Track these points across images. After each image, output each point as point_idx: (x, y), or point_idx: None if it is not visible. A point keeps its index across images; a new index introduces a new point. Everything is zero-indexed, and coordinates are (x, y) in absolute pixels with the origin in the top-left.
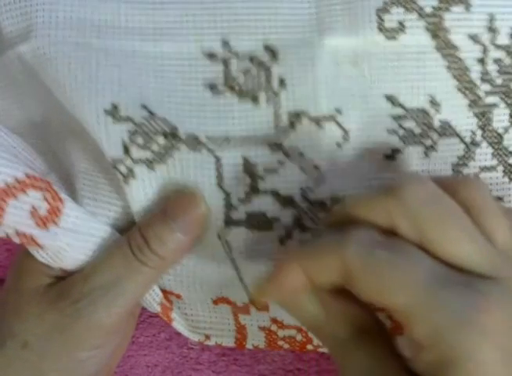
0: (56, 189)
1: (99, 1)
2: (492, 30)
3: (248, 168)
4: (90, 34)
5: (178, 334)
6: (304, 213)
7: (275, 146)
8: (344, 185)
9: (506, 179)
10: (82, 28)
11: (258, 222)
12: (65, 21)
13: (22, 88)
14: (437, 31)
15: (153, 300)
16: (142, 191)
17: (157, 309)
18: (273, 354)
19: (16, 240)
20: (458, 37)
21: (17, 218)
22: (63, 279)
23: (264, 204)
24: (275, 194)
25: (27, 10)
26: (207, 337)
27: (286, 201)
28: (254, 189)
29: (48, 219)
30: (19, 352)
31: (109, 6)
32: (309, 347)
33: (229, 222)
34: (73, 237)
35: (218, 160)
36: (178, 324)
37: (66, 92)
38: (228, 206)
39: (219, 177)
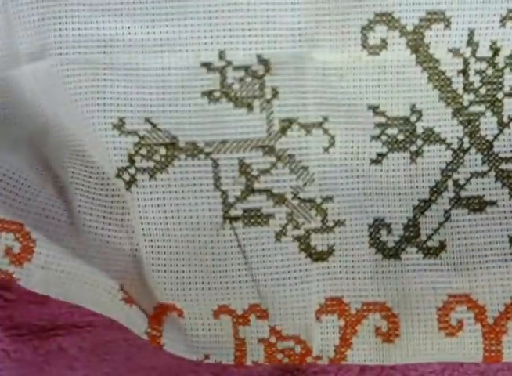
0: (29, 230)
1: (104, 17)
2: (472, 44)
3: (243, 169)
4: (97, 50)
5: None
6: (296, 210)
7: (268, 148)
8: (333, 185)
9: (499, 184)
10: (90, 44)
11: (255, 218)
12: (74, 39)
13: (27, 103)
14: (417, 47)
15: (139, 331)
16: (143, 199)
17: (145, 337)
18: None
19: None
20: (438, 52)
21: None
22: None
23: (259, 201)
24: (269, 193)
25: (40, 30)
26: (207, 356)
27: (279, 199)
28: (249, 188)
29: (22, 257)
30: None
31: (113, 20)
32: (309, 359)
33: (227, 218)
34: (46, 274)
35: (214, 162)
36: (170, 347)
37: (76, 107)
38: (226, 204)
39: (216, 178)
